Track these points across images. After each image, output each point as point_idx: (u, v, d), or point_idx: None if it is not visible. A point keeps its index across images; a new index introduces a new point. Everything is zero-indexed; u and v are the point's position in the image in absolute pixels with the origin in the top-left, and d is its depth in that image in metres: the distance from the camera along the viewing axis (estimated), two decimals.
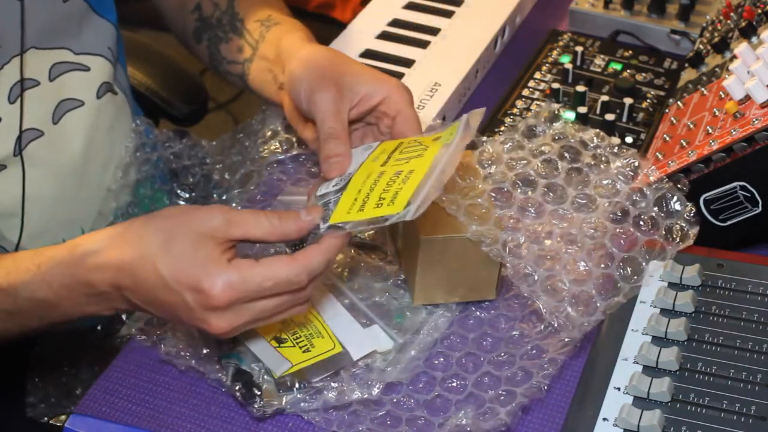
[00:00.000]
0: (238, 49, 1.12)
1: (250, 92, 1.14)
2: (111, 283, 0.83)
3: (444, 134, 0.90)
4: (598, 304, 0.91)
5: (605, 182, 0.98)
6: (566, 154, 0.99)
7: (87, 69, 1.08)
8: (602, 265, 0.93)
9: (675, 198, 0.96)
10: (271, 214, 0.83)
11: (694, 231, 0.95)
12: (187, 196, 1.19)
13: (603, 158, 0.99)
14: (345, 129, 0.94)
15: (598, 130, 1.01)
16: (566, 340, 0.90)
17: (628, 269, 0.93)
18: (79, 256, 0.84)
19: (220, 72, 1.16)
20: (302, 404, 0.88)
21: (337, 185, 0.89)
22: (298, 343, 0.91)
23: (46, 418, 1.06)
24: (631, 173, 0.98)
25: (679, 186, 0.97)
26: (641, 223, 0.95)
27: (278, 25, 1.10)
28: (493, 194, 0.96)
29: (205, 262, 0.80)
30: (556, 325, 0.91)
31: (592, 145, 1.00)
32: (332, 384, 0.89)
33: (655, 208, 0.95)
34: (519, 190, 0.97)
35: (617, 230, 0.95)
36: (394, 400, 0.89)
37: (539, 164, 0.98)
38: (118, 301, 0.85)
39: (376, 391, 0.88)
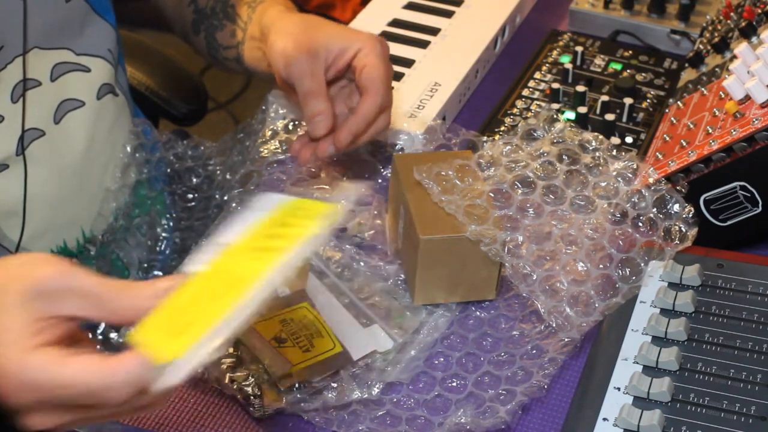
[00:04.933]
0: (231, 34, 1.14)
1: (249, 75, 1.17)
2: None
3: (318, 217, 0.72)
4: (597, 305, 0.91)
5: (603, 184, 0.98)
6: (565, 157, 0.99)
7: (88, 70, 1.09)
8: (601, 266, 0.94)
9: (674, 199, 0.96)
10: (110, 283, 0.65)
11: (692, 232, 0.95)
12: (190, 197, 1.19)
13: (601, 160, 0.99)
14: (322, 87, 0.97)
15: (596, 133, 1.01)
16: (566, 340, 0.90)
17: (627, 270, 0.93)
18: None
19: (219, 60, 1.19)
20: (302, 404, 0.88)
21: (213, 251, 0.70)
22: (298, 343, 0.91)
23: None
24: (630, 175, 0.98)
25: (678, 188, 0.97)
26: (640, 224, 0.95)
27: (262, 2, 1.12)
28: (492, 195, 0.96)
29: (12, 340, 0.64)
30: (554, 325, 0.91)
31: (590, 147, 1.00)
32: (332, 384, 0.89)
33: (654, 210, 0.96)
34: (518, 192, 0.97)
35: (616, 231, 0.95)
36: (394, 399, 0.89)
37: (538, 166, 0.98)
38: None
39: (375, 390, 0.88)
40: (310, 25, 1.02)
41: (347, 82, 1.05)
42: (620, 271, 0.93)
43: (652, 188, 0.96)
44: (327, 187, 1.08)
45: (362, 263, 1.01)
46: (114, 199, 1.14)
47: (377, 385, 0.88)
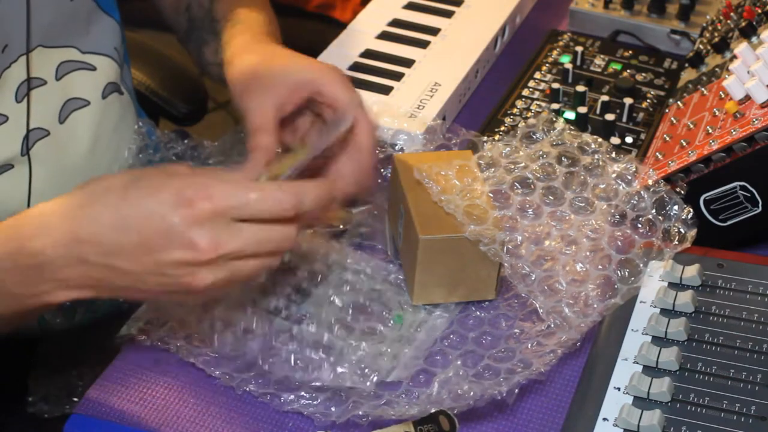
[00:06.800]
0: (215, 51, 1.12)
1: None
2: (61, 244, 0.76)
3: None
4: (596, 305, 0.91)
5: (602, 186, 0.98)
6: (564, 159, 1.00)
7: (93, 68, 1.09)
8: (600, 267, 0.94)
9: (673, 201, 0.96)
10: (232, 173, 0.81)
11: (691, 233, 0.95)
12: None
13: (600, 162, 0.99)
14: (269, 123, 0.93)
15: (596, 135, 1.01)
16: (564, 338, 0.90)
17: (626, 271, 0.93)
18: (24, 222, 0.79)
19: (207, 74, 1.17)
20: (302, 401, 0.88)
21: None
22: None
23: (46, 415, 1.06)
24: (629, 177, 0.98)
25: (677, 189, 0.97)
26: (639, 225, 0.96)
27: (238, 25, 1.09)
28: (492, 195, 0.97)
29: (183, 178, 0.76)
30: (552, 325, 0.91)
31: (589, 150, 1.00)
32: (330, 378, 0.89)
33: (653, 211, 0.96)
34: (518, 192, 0.98)
35: (615, 232, 0.95)
36: (395, 394, 0.89)
37: (537, 168, 0.99)
38: (70, 268, 0.77)
39: (373, 384, 0.88)
40: (268, 60, 0.98)
41: (311, 116, 1.00)
42: (619, 272, 0.93)
43: (651, 190, 0.96)
44: None
45: (362, 263, 1.01)
46: None
47: (373, 378, 0.89)
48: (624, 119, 1.18)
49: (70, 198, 0.78)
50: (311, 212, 0.80)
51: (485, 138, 1.07)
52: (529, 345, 0.91)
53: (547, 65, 1.29)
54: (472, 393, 0.85)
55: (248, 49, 1.02)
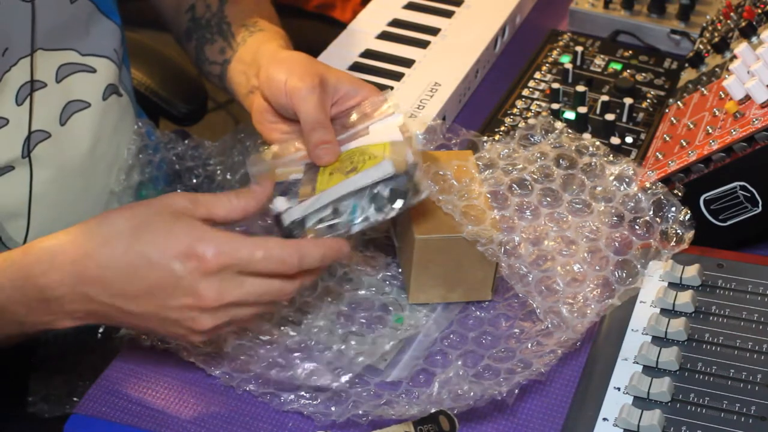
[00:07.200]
0: (220, 50, 1.13)
1: (226, 93, 1.15)
2: (69, 283, 0.81)
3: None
4: (593, 306, 0.91)
5: (600, 188, 0.98)
6: (562, 161, 1.00)
7: (93, 70, 1.09)
8: (597, 268, 0.94)
9: (670, 202, 0.96)
10: (228, 192, 0.84)
11: (689, 235, 0.95)
12: None
13: (598, 165, 0.99)
14: (328, 119, 0.95)
15: (595, 137, 1.01)
16: (563, 338, 0.90)
17: (623, 272, 0.93)
18: (32, 257, 0.82)
19: (203, 72, 1.18)
20: (302, 401, 0.88)
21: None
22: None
23: (46, 415, 1.06)
24: (627, 179, 0.98)
25: (674, 191, 0.97)
26: (636, 227, 0.96)
27: (262, 31, 1.10)
28: (489, 196, 0.97)
29: (191, 230, 0.80)
30: (549, 325, 0.91)
31: (587, 153, 1.00)
32: (331, 383, 0.89)
33: (650, 213, 0.96)
34: (515, 193, 0.98)
35: (613, 234, 0.95)
36: (394, 394, 0.89)
37: (535, 170, 0.99)
38: (77, 304, 0.82)
39: (372, 385, 0.88)
40: (317, 62, 1.00)
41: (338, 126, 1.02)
42: (617, 273, 0.93)
43: (649, 191, 0.97)
44: None
45: (362, 262, 1.01)
46: (118, 201, 1.14)
47: (374, 380, 0.89)
48: (624, 119, 1.18)
49: (77, 238, 0.81)
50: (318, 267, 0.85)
51: (485, 138, 1.07)
52: (529, 345, 0.91)
53: (547, 65, 1.29)
54: (472, 393, 0.85)
55: (285, 53, 1.02)
